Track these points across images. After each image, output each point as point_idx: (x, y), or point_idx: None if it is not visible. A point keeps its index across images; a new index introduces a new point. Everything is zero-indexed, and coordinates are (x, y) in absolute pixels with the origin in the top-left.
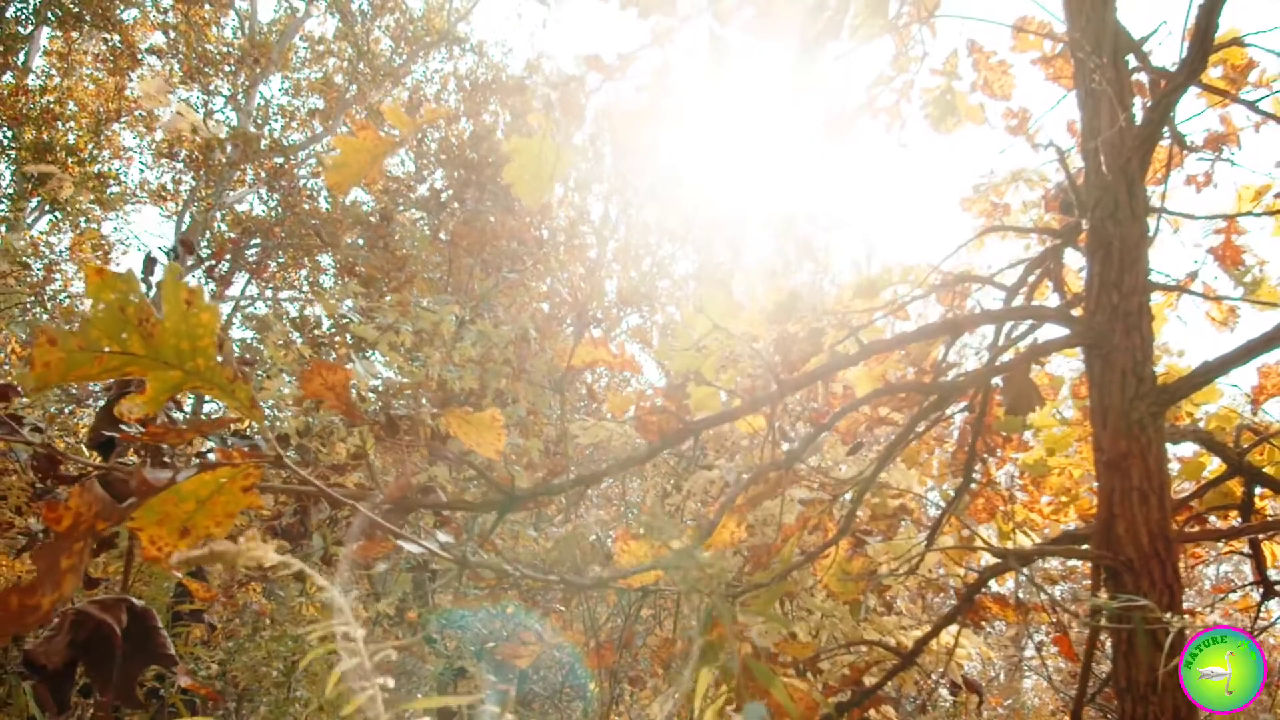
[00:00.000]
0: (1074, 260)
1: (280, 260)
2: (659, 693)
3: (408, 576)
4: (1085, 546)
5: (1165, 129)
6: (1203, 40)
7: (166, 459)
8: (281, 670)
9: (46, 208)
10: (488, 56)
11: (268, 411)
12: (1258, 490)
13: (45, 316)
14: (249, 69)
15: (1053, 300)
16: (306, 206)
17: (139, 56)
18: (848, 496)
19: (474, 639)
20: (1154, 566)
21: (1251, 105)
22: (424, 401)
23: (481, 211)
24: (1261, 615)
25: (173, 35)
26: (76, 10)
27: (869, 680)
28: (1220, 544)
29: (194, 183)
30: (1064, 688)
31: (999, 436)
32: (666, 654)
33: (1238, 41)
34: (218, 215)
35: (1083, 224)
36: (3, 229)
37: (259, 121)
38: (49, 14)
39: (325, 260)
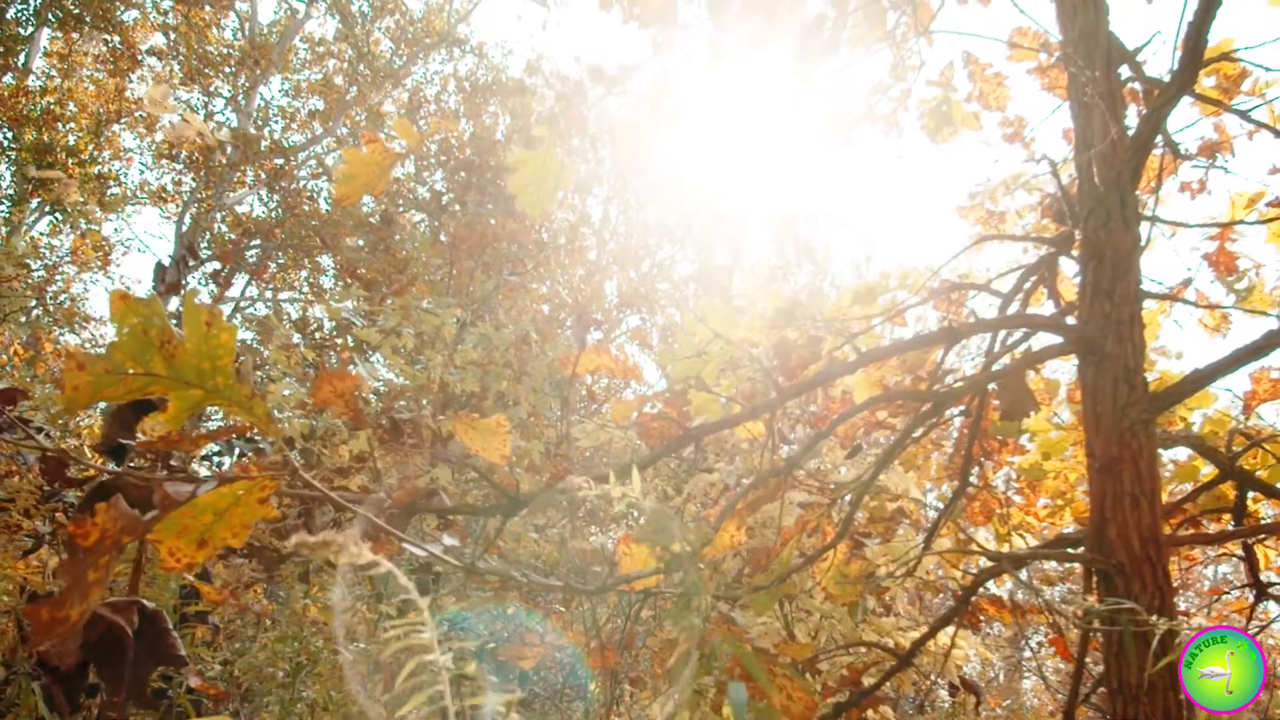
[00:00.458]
0: (1069, 267)
1: (280, 261)
2: (659, 693)
3: (412, 578)
4: (1078, 550)
5: (1159, 138)
6: (1192, 56)
7: (173, 463)
8: (288, 671)
9: (47, 209)
10: (488, 58)
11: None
12: (1250, 494)
13: (47, 319)
14: (249, 70)
15: (1048, 307)
16: (307, 208)
17: (139, 58)
18: (847, 499)
19: (477, 639)
20: (1145, 570)
21: (1244, 115)
22: (425, 404)
23: (482, 214)
24: (1260, 616)
25: (173, 37)
26: (77, 11)
27: (867, 681)
28: (1214, 546)
29: (194, 184)
30: (1061, 688)
31: (995, 441)
32: (667, 655)
33: (1227, 56)
34: (218, 216)
35: (1076, 233)
36: (3, 230)
37: (259, 123)
38: (49, 15)
39: (325, 261)
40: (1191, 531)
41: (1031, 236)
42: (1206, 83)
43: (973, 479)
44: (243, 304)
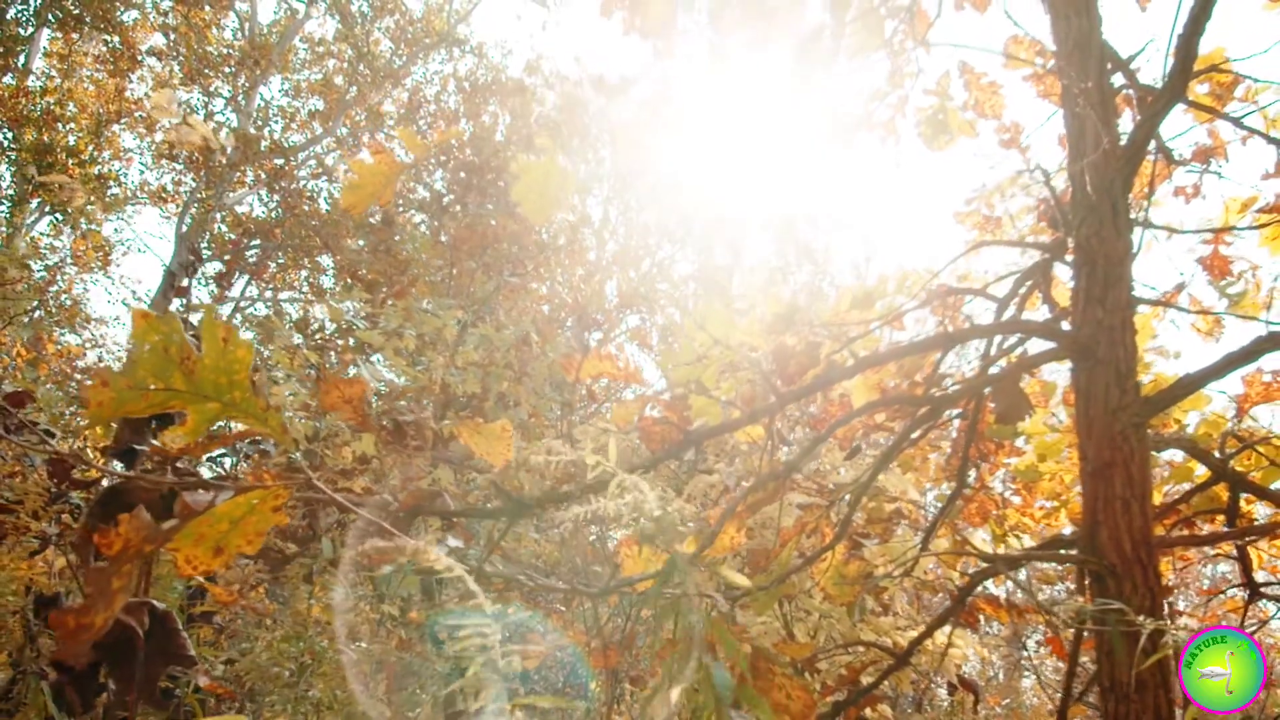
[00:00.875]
0: (1064, 272)
1: (280, 261)
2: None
3: (415, 578)
4: (1072, 551)
5: (1152, 144)
6: (1183, 68)
7: (178, 465)
8: (294, 670)
9: (47, 209)
10: (487, 58)
11: None
12: (1243, 495)
13: (49, 320)
14: (249, 70)
15: (1043, 311)
16: (306, 208)
17: (139, 58)
18: (845, 500)
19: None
20: (1136, 571)
21: (1237, 121)
22: (427, 405)
23: (483, 215)
24: (1260, 614)
25: (173, 37)
26: (77, 12)
27: (865, 680)
28: (1212, 546)
29: (194, 184)
30: (1057, 687)
31: (991, 443)
32: (668, 655)
33: (1215, 69)
34: (218, 216)
35: (1069, 240)
36: (3, 230)
37: (259, 123)
38: (49, 16)
39: (325, 261)
40: (1186, 532)
41: (1026, 243)
42: (1200, 89)
43: (970, 480)
44: (243, 304)
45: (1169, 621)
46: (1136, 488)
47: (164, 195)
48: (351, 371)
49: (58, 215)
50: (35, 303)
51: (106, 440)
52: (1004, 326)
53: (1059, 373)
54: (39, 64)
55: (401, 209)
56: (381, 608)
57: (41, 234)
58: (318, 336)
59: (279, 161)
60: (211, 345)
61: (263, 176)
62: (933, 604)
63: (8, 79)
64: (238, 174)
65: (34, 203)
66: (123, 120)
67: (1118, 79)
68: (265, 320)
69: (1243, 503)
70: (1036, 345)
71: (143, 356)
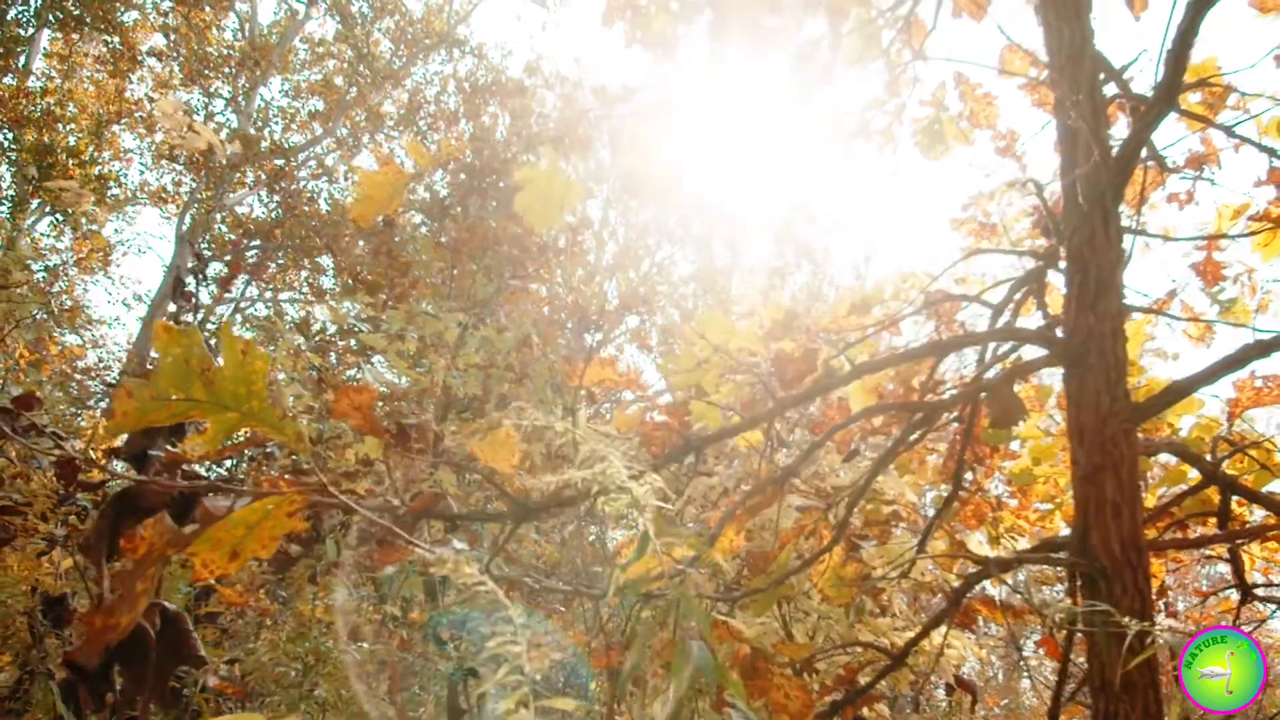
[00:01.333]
0: (1058, 279)
1: (280, 262)
2: (659, 693)
3: (418, 580)
4: (1063, 554)
5: (1145, 152)
6: (1173, 80)
7: (185, 468)
8: (299, 670)
9: (48, 209)
10: (487, 59)
11: None
12: (1235, 498)
13: (50, 321)
14: (249, 71)
15: (1038, 317)
16: (306, 208)
17: (139, 59)
18: (843, 503)
19: (481, 640)
20: (1126, 574)
21: (1228, 130)
22: (429, 407)
23: (483, 216)
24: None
25: (173, 37)
26: (77, 12)
27: (863, 680)
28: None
29: (194, 184)
30: (1052, 687)
31: (986, 447)
32: (669, 655)
33: (1204, 83)
34: (218, 217)
35: (1062, 249)
36: (5, 232)
37: (259, 123)
38: (50, 16)
39: (325, 262)
40: (1179, 535)
41: (1020, 250)
42: (1193, 99)
43: (966, 483)
44: (243, 304)
45: (1162, 622)
46: (1126, 492)
47: (164, 196)
48: (352, 373)
49: (58, 216)
50: (39, 307)
51: (111, 443)
52: (997, 334)
53: (1055, 377)
54: (39, 64)
55: (402, 210)
56: (384, 608)
57: (42, 234)
58: (318, 338)
59: (279, 162)
60: (231, 357)
61: (263, 177)
62: (931, 605)
63: (8, 79)
64: (238, 175)
65: (34, 203)
66: (123, 121)
67: (1111, 88)
68: (266, 321)
69: (1235, 506)
70: (1031, 352)
71: (165, 368)
